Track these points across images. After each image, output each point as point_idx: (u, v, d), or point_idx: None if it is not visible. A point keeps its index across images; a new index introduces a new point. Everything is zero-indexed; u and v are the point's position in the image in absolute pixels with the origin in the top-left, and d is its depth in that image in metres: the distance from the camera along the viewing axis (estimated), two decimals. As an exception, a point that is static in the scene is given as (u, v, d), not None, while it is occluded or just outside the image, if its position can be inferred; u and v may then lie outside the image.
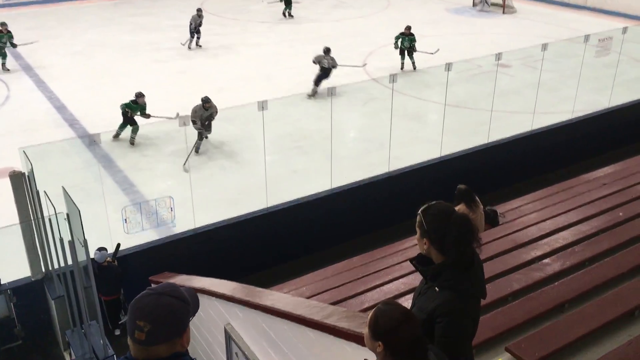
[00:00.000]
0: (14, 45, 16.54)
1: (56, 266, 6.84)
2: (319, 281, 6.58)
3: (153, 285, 2.18)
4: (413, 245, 6.08)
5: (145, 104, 12.02)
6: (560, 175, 9.12)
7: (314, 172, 10.66)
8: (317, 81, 14.52)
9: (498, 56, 10.53)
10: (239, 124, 12.43)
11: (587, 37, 11.36)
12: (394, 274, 5.94)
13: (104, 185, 9.24)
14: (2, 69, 16.30)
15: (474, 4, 23.66)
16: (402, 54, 16.12)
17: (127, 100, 12.00)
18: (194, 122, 11.11)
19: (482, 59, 14.11)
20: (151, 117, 11.99)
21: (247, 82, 15.45)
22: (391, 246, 7.34)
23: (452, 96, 12.18)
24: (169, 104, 13.89)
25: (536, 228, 6.27)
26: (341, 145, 11.33)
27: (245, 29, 20.84)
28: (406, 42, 15.87)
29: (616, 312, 4.01)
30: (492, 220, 7.19)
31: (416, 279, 4.95)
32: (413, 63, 16.02)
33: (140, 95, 12.03)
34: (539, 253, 5.39)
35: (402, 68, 16.10)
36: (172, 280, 6.76)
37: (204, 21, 18.59)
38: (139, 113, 11.90)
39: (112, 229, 7.93)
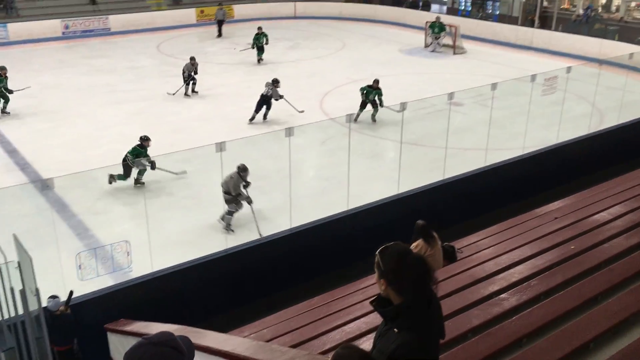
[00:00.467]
0: (9, 92, 15.92)
1: (6, 316, 6.57)
2: (280, 323, 6.50)
3: (148, 335, 2.11)
4: (373, 284, 6.10)
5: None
6: (513, 210, 9.34)
7: (274, 212, 10.65)
8: (257, 108, 15.21)
9: (450, 95, 10.86)
10: (197, 164, 12.35)
11: (533, 77, 11.85)
12: (355, 313, 5.93)
13: (58, 231, 8.98)
14: (2, 112, 15.90)
15: (426, 45, 24.41)
16: (363, 106, 15.40)
17: (130, 149, 11.43)
18: (239, 195, 10.07)
19: (435, 98, 14.49)
20: (156, 169, 11.29)
21: (205, 123, 15.45)
22: (352, 285, 7.34)
23: (408, 134, 12.44)
24: (124, 146, 13.75)
25: (493, 263, 6.38)
26: (300, 184, 11.37)
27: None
28: (372, 95, 15.44)
29: (572, 345, 4.09)
30: (450, 256, 7.31)
31: (377, 318, 4.94)
32: (373, 115, 15.52)
33: (146, 139, 11.58)
34: (496, 288, 5.48)
35: (355, 120, 14.73)
36: (128, 328, 6.57)
37: (197, 68, 18.13)
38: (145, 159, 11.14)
39: (65, 276, 7.69)
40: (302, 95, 17.83)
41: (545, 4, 27.59)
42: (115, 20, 26.84)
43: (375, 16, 30.37)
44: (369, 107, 15.49)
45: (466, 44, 24.23)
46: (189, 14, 28.87)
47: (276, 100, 15.35)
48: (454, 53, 23.56)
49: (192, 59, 18.08)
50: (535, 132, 14.06)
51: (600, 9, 27.01)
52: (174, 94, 17.74)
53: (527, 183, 11.52)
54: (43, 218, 10.00)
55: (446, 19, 25.96)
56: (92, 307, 7.55)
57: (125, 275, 8.36)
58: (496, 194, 11.13)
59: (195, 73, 17.95)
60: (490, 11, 29.71)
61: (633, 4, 26.07)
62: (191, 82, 18.00)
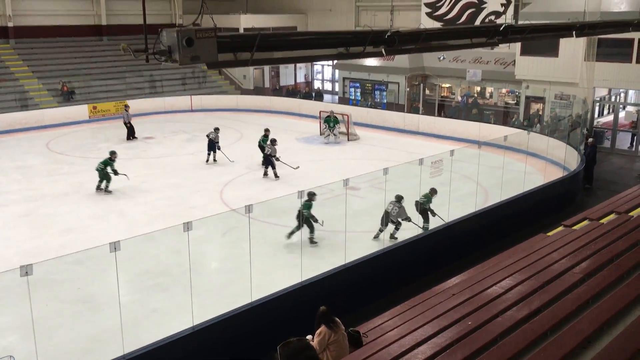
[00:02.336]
0: (115, 173, 17.26)
1: None
2: None
3: None
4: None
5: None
6: (414, 289, 9.59)
7: (175, 309, 10.25)
8: (265, 164, 18.51)
9: (346, 181, 11.24)
10: (91, 265, 11.76)
11: (421, 160, 12.58)
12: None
13: None
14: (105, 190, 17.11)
15: (321, 133, 25.33)
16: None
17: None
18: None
19: (333, 184, 14.92)
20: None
21: (99, 221, 14.86)
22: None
23: (308, 221, 12.66)
24: (10, 251, 12.91)
25: (397, 345, 6.46)
26: (202, 278, 11.09)
27: (95, 166, 20.33)
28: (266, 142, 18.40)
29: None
30: (356, 342, 7.31)
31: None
32: (274, 170, 18.38)
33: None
34: (401, 371, 5.53)
35: (265, 175, 18.65)
36: None
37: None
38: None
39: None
40: (202, 187, 17.76)
41: (427, 92, 29.80)
42: (1, 120, 25.77)
43: (271, 107, 31.31)
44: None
45: (358, 131, 25.42)
46: (81, 110, 28.31)
47: (274, 157, 18.12)
48: (348, 139, 24.60)
49: (217, 129, 20.93)
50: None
51: (476, 96, 29.54)
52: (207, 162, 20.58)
53: (424, 261, 11.94)
54: None
55: (338, 108, 27.28)
56: None
57: (10, 395, 7.59)
58: (397, 274, 11.42)
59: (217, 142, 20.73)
60: (378, 100, 31.59)
61: (504, 90, 28.77)
62: (216, 151, 20.73)
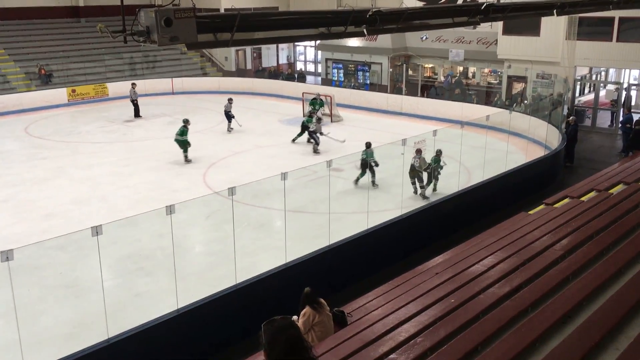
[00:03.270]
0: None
1: None
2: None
3: None
4: None
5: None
6: (398, 269, 9.65)
7: (159, 293, 10.23)
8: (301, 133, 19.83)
9: (329, 163, 11.22)
10: (73, 250, 11.67)
11: (404, 141, 12.59)
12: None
13: None
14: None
15: (304, 115, 25.19)
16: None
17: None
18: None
19: (316, 165, 14.91)
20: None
21: (81, 206, 14.71)
22: (245, 362, 7.12)
23: (292, 202, 12.63)
24: (-9, 236, 12.74)
25: (381, 324, 6.51)
26: (186, 262, 11.06)
27: (76, 150, 20.10)
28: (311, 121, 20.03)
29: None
30: (341, 321, 7.37)
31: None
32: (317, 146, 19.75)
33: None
34: (385, 349, 5.58)
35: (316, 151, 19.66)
36: None
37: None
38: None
39: None
40: (184, 170, 17.65)
41: (410, 72, 29.78)
42: (-22, 104, 25.33)
43: (253, 89, 31.08)
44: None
45: (342, 112, 25.36)
46: (59, 94, 27.86)
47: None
48: (332, 121, 24.53)
49: (230, 100, 22.65)
50: (411, 192, 14.84)
51: (459, 76, 29.58)
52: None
53: (408, 241, 12.02)
54: None
55: (321, 89, 27.15)
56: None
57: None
58: (381, 253, 11.48)
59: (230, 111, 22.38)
60: (361, 81, 31.50)
61: (486, 70, 28.84)
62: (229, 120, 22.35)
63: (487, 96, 28.02)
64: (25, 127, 23.62)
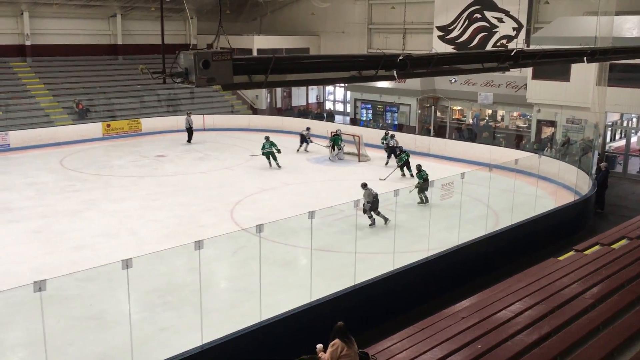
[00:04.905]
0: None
1: None
2: None
3: None
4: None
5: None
6: (423, 312, 9.55)
7: (184, 328, 10.27)
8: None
9: (356, 202, 11.28)
10: (101, 282, 11.83)
11: (432, 183, 12.60)
12: None
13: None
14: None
15: (330, 159, 25.37)
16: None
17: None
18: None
19: (343, 205, 14.98)
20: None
21: (110, 239, 14.96)
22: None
23: (318, 241, 12.62)
24: (22, 266, 13.02)
25: (406, 368, 6.44)
26: (211, 297, 11.12)
27: (108, 183, 20.54)
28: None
29: None
30: (365, 363, 7.30)
31: None
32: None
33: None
34: (410, 394, 5.51)
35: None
36: None
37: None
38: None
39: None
40: (212, 206, 17.85)
41: (438, 114, 29.89)
42: (15, 137, 26.13)
43: (282, 127, 31.50)
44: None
45: (369, 152, 25.50)
46: (95, 128, 28.65)
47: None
48: (359, 160, 24.66)
49: (308, 128, 26.79)
50: (438, 234, 14.73)
51: (487, 119, 29.59)
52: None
53: (433, 284, 11.90)
54: None
55: (349, 129, 27.40)
56: None
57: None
58: (406, 296, 11.38)
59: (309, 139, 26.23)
60: (389, 121, 31.71)
61: (515, 113, 28.81)
62: (305, 144, 26.15)
63: (516, 139, 27.92)
64: (61, 159, 24.26)
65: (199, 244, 8.53)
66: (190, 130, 28.10)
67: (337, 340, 6.85)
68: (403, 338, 8.12)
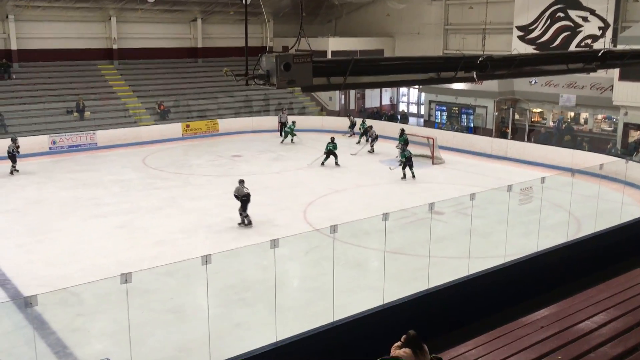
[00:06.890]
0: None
1: None
2: None
3: None
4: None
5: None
6: (498, 319, 9.30)
7: (258, 324, 10.49)
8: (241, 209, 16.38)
9: (431, 205, 11.13)
10: (180, 277, 12.27)
11: (510, 187, 12.25)
12: None
13: (36, 350, 8.72)
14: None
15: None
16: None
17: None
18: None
19: (416, 208, 14.82)
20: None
21: (189, 235, 15.50)
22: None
23: (390, 243, 12.55)
24: (106, 260, 13.69)
25: (482, 376, 6.30)
26: (285, 295, 11.30)
27: (187, 182, 21.29)
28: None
29: None
30: (439, 369, 7.18)
31: None
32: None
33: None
34: (486, 402, 5.39)
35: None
36: None
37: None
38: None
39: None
40: (285, 206, 18.13)
41: (517, 116, 29.02)
42: (102, 136, 27.54)
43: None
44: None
45: (444, 155, 25.11)
46: (175, 128, 29.76)
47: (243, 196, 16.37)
48: (433, 163, 24.33)
49: (371, 127, 27.55)
50: (515, 240, 14.31)
51: (570, 121, 28.43)
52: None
53: (510, 291, 11.55)
54: (22, 336, 9.71)
55: (423, 131, 27.08)
56: None
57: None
58: (481, 302, 11.11)
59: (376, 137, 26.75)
60: (464, 124, 31.08)
61: (600, 116, 27.53)
62: (371, 142, 26.62)
63: (600, 143, 26.65)
64: (143, 158, 25.35)
65: (274, 243, 8.69)
66: (283, 126, 29.51)
67: (408, 350, 6.71)
68: (478, 345, 7.94)
